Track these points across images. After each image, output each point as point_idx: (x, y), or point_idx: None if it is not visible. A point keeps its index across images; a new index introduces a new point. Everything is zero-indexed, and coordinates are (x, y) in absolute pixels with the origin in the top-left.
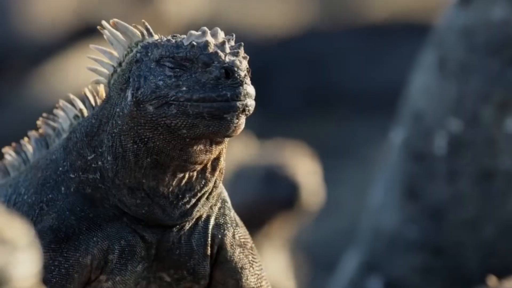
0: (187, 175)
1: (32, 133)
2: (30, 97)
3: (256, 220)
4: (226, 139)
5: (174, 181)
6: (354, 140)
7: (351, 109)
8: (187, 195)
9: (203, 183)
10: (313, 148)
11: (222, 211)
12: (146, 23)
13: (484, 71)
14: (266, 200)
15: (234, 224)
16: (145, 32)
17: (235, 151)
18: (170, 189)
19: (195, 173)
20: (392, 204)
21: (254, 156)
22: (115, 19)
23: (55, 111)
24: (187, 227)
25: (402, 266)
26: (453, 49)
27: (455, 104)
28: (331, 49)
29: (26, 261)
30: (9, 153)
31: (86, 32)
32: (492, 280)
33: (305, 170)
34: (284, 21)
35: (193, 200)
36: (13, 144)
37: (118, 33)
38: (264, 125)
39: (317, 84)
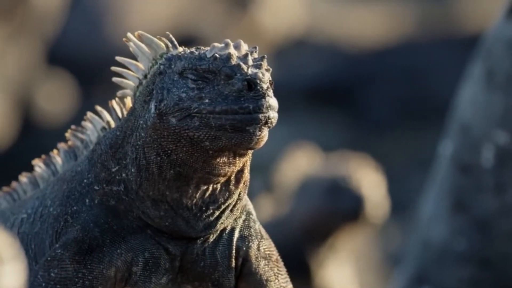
0: (210, 188)
1: (61, 145)
2: None
3: (320, 232)
4: (250, 152)
5: (198, 193)
6: None
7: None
8: (210, 207)
9: (227, 195)
10: (409, 161)
11: (247, 223)
12: (171, 35)
13: None
14: (330, 212)
15: (259, 236)
16: (169, 44)
17: (300, 163)
18: (194, 201)
19: (218, 186)
20: (441, 216)
21: (319, 168)
22: (140, 31)
23: (83, 123)
24: (212, 239)
25: (451, 278)
26: (501, 61)
27: (502, 116)
28: (428, 60)
29: (12, 273)
30: (39, 165)
31: (183, 43)
32: None
33: (370, 182)
34: (380, 33)
35: (217, 213)
36: (43, 156)
37: (143, 45)
38: (359, 137)
39: (413, 96)
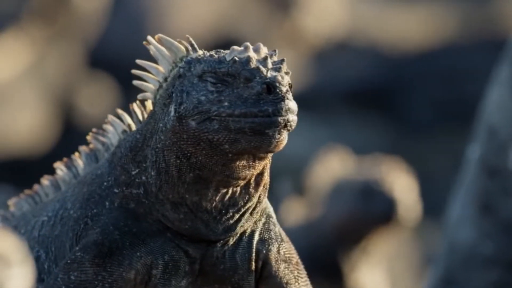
0: (230, 191)
1: (83, 148)
2: None
3: (353, 235)
4: (269, 155)
5: (217, 197)
6: None
7: None
8: (230, 210)
9: (246, 198)
10: (449, 163)
11: (266, 226)
12: (191, 39)
13: None
14: (362, 215)
15: (279, 239)
16: (189, 48)
17: (332, 166)
18: (213, 204)
19: (238, 189)
20: (468, 219)
21: (352, 171)
22: (160, 35)
23: (104, 125)
24: (231, 242)
25: (478, 280)
26: None
27: None
28: (468, 63)
29: (20, 276)
30: (60, 168)
31: (224, 46)
32: None
33: (402, 185)
34: (421, 35)
35: (237, 216)
36: (64, 159)
37: (163, 49)
38: (399, 140)
39: (453, 99)
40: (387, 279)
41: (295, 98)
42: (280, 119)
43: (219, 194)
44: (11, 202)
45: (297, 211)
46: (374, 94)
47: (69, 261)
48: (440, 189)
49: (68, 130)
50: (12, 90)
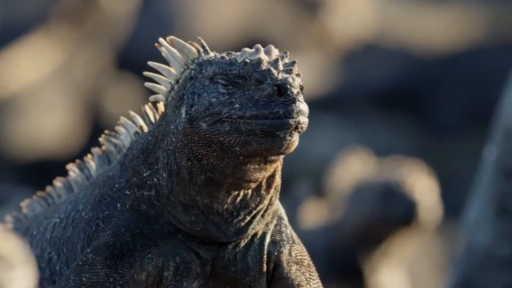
0: (241, 193)
1: (95, 150)
2: None
3: (373, 237)
4: (280, 157)
5: (229, 199)
6: None
7: None
8: (242, 213)
9: (258, 200)
10: (477, 165)
11: (278, 228)
12: (202, 41)
13: None
14: (383, 217)
15: (290, 241)
16: (201, 50)
17: (353, 167)
18: (225, 207)
19: (249, 191)
20: (485, 221)
21: (372, 173)
22: (172, 37)
23: (116, 127)
24: (243, 244)
25: (495, 282)
26: None
27: None
28: (497, 65)
29: (22, 277)
30: (73, 170)
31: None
32: None
33: (423, 187)
34: (451, 37)
35: (248, 218)
36: (77, 160)
37: (175, 51)
38: (427, 142)
39: (482, 101)
40: (407, 281)
41: (323, 100)
42: (291, 121)
43: (231, 197)
44: (24, 203)
45: (317, 212)
46: (402, 95)
47: (80, 263)
48: (468, 190)
49: (96, 132)
50: (41, 91)
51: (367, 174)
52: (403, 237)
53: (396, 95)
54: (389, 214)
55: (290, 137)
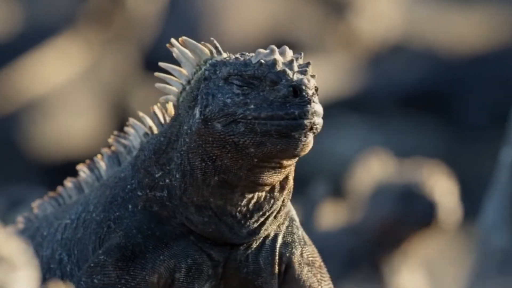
0: (256, 196)
1: (105, 150)
2: None
3: (393, 238)
4: (294, 160)
5: (243, 201)
6: None
7: None
8: (255, 215)
9: (271, 202)
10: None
11: (290, 229)
12: (215, 41)
13: None
14: (403, 218)
15: (302, 243)
16: (214, 50)
17: (373, 169)
18: (239, 209)
19: (263, 193)
20: (501, 224)
21: (392, 174)
22: (184, 37)
23: (125, 128)
24: (255, 246)
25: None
26: None
27: None
28: None
29: (24, 279)
30: (83, 170)
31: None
32: None
33: (443, 188)
34: (478, 38)
35: (261, 219)
36: (87, 161)
37: (187, 51)
38: (454, 144)
39: (508, 103)
40: (427, 282)
41: (349, 101)
42: (306, 122)
43: (245, 199)
44: (35, 204)
45: (336, 213)
46: (428, 97)
47: (92, 265)
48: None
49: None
50: (68, 93)
51: (388, 175)
52: (423, 238)
53: (422, 97)
54: (409, 215)
55: (305, 138)
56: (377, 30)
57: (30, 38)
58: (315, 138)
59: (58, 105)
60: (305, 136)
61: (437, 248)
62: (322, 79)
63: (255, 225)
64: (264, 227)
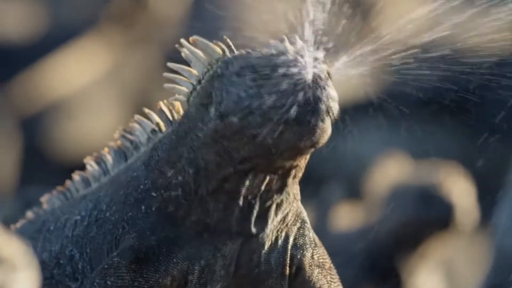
0: (267, 177)
1: (111, 144)
2: None
3: (410, 240)
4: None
5: (254, 183)
6: None
7: None
8: (263, 196)
9: (281, 186)
10: None
11: (301, 231)
12: (228, 40)
13: None
14: (420, 220)
15: (313, 245)
16: (226, 49)
17: (390, 170)
18: (249, 190)
19: (275, 176)
20: None
21: (409, 176)
22: (195, 37)
23: (130, 124)
24: (266, 246)
25: None
26: None
27: None
28: None
29: (24, 280)
30: (90, 163)
31: None
32: None
33: (460, 190)
34: (505, 40)
35: (268, 203)
36: (94, 153)
37: (197, 51)
38: (478, 145)
39: None
40: (445, 284)
41: (374, 102)
42: (321, 105)
43: (256, 180)
44: (44, 199)
45: (351, 214)
46: (453, 99)
47: (106, 266)
48: None
49: None
50: (91, 94)
51: (405, 177)
52: (441, 240)
53: (447, 99)
54: (426, 217)
55: (322, 123)
56: (402, 33)
57: (54, 39)
58: (337, 140)
59: (81, 106)
60: (322, 121)
61: (455, 250)
62: (344, 80)
63: (263, 209)
64: (270, 214)
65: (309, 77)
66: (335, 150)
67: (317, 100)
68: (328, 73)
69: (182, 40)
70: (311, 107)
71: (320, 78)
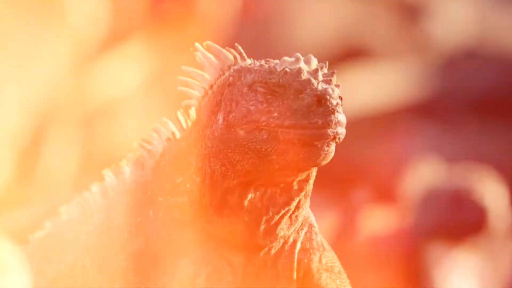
0: (270, 191)
1: (130, 155)
2: None
3: (443, 244)
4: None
5: (258, 197)
6: None
7: None
8: (270, 211)
9: (286, 200)
10: None
11: (308, 235)
12: (239, 47)
13: None
14: (453, 224)
15: (321, 249)
16: (238, 56)
17: (423, 173)
18: (254, 204)
19: (278, 190)
20: None
21: (442, 180)
22: (208, 42)
23: (150, 133)
24: (273, 251)
25: None
26: None
27: None
28: None
29: (17, 284)
30: (108, 175)
31: (349, 55)
32: None
33: (493, 194)
34: None
35: (276, 217)
36: (113, 165)
37: (211, 56)
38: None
39: None
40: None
41: (422, 106)
42: (329, 131)
43: (259, 194)
44: (63, 208)
45: (387, 218)
46: (502, 102)
47: (113, 270)
48: None
49: None
50: (137, 97)
51: (439, 180)
52: (474, 243)
53: (496, 102)
54: (459, 220)
55: (327, 148)
56: (450, 35)
57: (102, 42)
58: (389, 143)
59: (128, 110)
60: (327, 146)
61: (488, 254)
62: (394, 84)
63: (271, 223)
64: (279, 227)
65: (320, 100)
66: (368, 152)
67: (326, 125)
68: (340, 97)
69: (197, 44)
70: (319, 132)
71: (331, 102)
